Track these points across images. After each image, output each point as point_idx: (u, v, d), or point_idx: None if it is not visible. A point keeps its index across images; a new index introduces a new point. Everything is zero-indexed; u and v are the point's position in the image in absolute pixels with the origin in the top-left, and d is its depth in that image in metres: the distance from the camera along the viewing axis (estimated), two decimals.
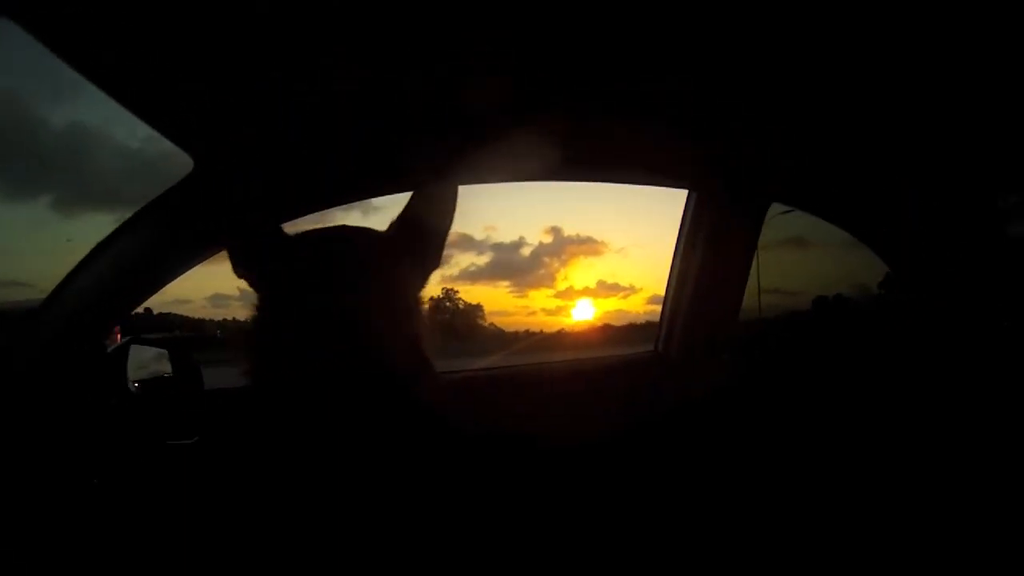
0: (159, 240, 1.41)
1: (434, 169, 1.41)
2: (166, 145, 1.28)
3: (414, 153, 1.42)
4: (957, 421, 1.61)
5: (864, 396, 1.71)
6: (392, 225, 1.07)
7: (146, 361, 1.87)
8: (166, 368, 1.57)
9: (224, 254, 1.07)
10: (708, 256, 1.86)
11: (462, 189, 1.07)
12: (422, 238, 1.06)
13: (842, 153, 1.68)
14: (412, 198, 1.07)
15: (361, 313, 0.96)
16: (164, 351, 1.56)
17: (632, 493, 1.66)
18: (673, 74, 1.30)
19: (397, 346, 1.00)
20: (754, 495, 1.65)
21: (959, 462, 1.56)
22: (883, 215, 1.87)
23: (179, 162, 1.32)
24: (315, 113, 1.31)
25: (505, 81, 1.26)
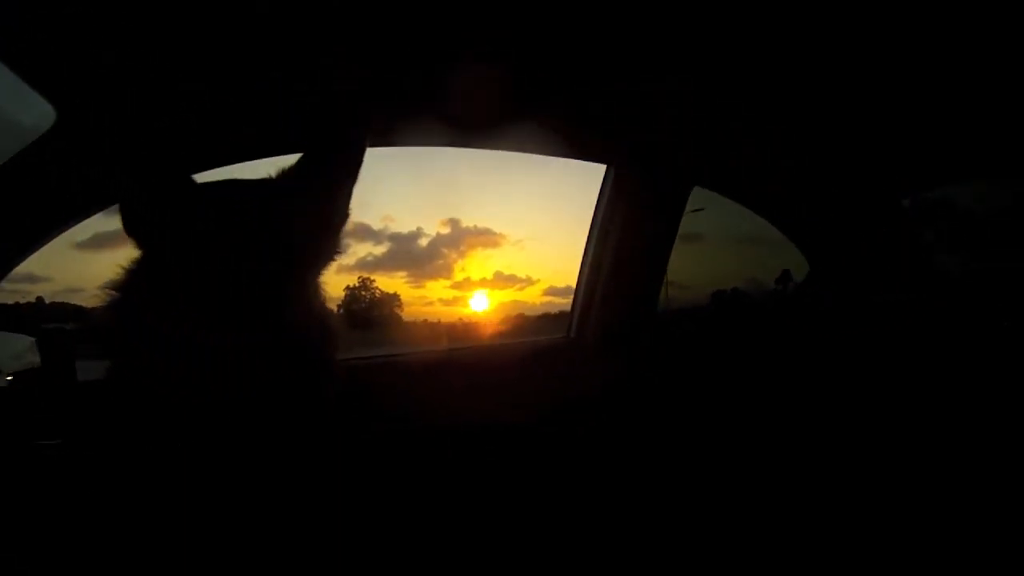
0: (16, 205, 1.24)
1: (337, 126, 1.30)
2: None
3: (313, 110, 1.26)
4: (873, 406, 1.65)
5: (780, 382, 1.75)
6: (287, 175, 0.94)
7: (21, 351, 1.70)
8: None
9: (111, 238, 0.93)
10: (627, 236, 1.82)
11: (365, 164, 0.96)
12: (326, 193, 0.94)
13: (771, 140, 1.66)
14: (316, 145, 0.94)
15: (259, 276, 0.85)
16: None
17: (546, 481, 1.62)
18: (600, 42, 1.23)
19: (298, 316, 0.88)
20: (673, 485, 1.65)
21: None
22: (807, 206, 1.87)
23: None
24: (193, 54, 1.11)
25: (420, 35, 1.14)
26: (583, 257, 1.92)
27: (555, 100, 1.45)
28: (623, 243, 1.82)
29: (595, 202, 1.88)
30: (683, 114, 1.55)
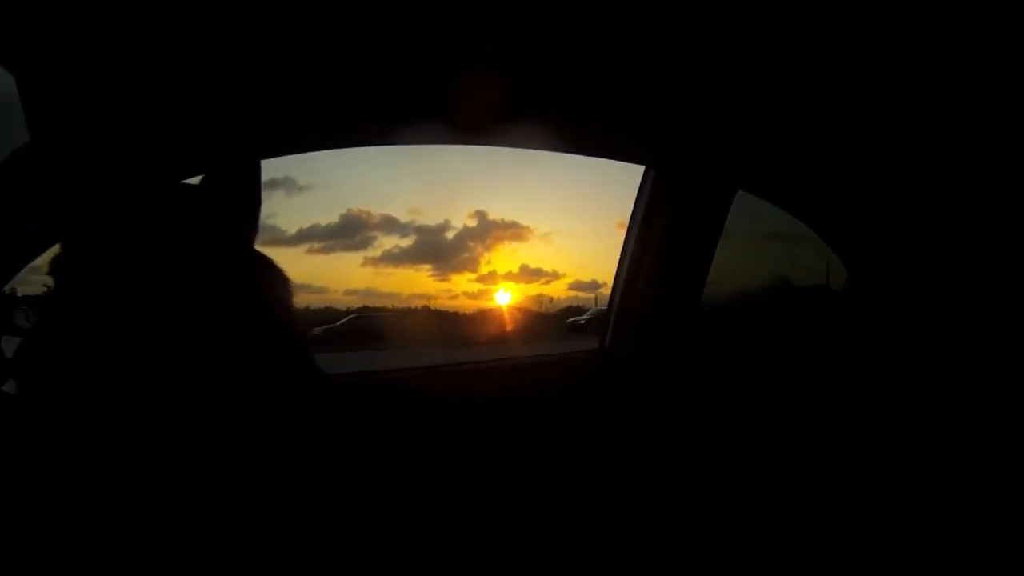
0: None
1: (361, 123, 1.23)
2: None
3: (340, 104, 1.21)
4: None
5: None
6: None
7: None
8: None
9: None
10: (667, 241, 1.69)
11: (392, 157, 0.88)
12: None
13: (824, 145, 1.53)
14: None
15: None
16: None
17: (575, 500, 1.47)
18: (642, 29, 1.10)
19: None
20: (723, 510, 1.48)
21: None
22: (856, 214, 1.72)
23: None
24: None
25: (447, 26, 1.05)
26: (620, 260, 1.79)
27: (591, 99, 1.34)
28: (663, 246, 1.69)
29: (626, 197, 1.77)
30: (725, 113, 1.42)
